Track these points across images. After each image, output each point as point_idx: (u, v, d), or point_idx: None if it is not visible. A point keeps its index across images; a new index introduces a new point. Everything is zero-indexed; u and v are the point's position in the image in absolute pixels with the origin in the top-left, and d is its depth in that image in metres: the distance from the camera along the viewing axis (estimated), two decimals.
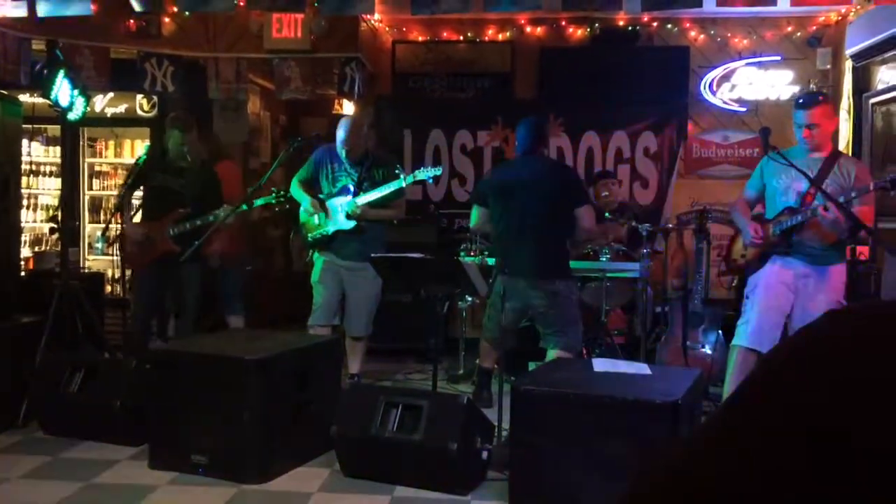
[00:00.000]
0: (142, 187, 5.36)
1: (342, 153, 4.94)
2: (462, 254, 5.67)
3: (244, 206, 5.03)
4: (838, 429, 0.49)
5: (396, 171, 4.98)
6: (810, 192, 4.04)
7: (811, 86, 6.66)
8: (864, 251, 5.25)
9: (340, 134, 4.90)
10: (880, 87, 5.75)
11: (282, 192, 5.06)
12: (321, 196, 5.01)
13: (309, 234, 5.07)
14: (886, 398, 0.48)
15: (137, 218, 5.43)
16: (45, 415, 4.48)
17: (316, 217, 5.00)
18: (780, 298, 4.14)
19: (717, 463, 0.58)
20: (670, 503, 0.62)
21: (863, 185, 3.92)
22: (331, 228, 4.96)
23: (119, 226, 5.21)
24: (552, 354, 4.59)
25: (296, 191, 5.07)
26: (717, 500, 0.57)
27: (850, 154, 5.99)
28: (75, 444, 4.25)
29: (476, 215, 4.86)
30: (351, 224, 4.89)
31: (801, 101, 4.18)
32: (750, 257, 4.34)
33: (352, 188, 4.93)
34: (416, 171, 4.93)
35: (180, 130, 5.14)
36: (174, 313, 5.40)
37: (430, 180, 5.00)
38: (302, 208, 5.09)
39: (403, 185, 4.87)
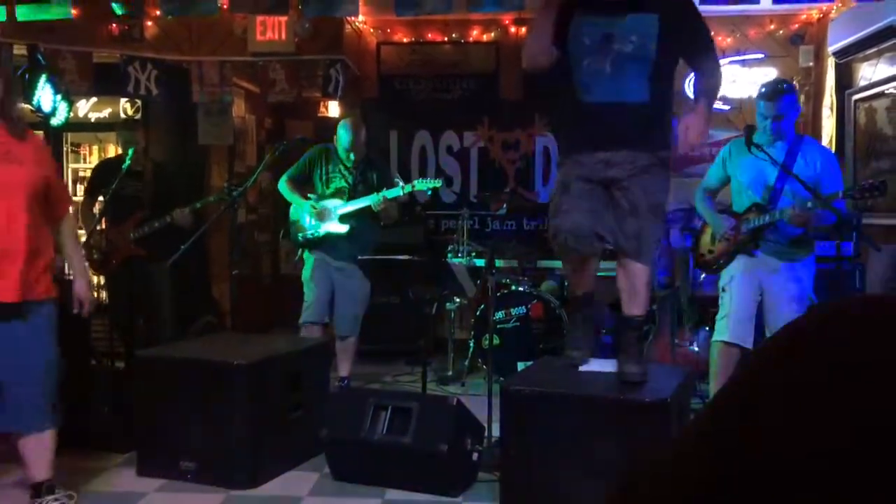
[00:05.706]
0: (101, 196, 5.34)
1: (346, 157, 4.91)
2: (449, 255, 5.68)
3: (197, 204, 5.08)
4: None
5: (395, 180, 4.96)
6: (777, 187, 4.00)
7: (794, 83, 6.69)
8: (847, 248, 5.27)
9: (346, 138, 4.85)
10: (862, 83, 5.79)
11: (229, 189, 4.95)
12: (313, 196, 4.97)
13: (300, 234, 5.05)
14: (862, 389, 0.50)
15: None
16: None
17: (308, 217, 4.98)
18: (753, 290, 4.12)
19: (700, 463, 0.59)
20: (656, 501, 0.62)
21: (831, 192, 3.84)
22: (323, 230, 4.94)
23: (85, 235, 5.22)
24: None
25: (285, 190, 5.06)
26: (698, 498, 0.58)
27: (835, 151, 6.03)
28: (62, 452, 4.20)
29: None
30: (344, 228, 4.88)
31: (765, 91, 4.06)
32: (718, 253, 4.28)
33: (346, 191, 4.92)
34: (416, 181, 4.88)
35: (132, 137, 5.18)
36: (147, 318, 5.37)
37: (429, 192, 4.97)
38: (293, 206, 5.08)
39: (401, 193, 4.84)
